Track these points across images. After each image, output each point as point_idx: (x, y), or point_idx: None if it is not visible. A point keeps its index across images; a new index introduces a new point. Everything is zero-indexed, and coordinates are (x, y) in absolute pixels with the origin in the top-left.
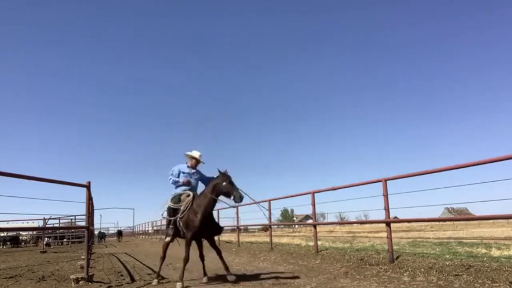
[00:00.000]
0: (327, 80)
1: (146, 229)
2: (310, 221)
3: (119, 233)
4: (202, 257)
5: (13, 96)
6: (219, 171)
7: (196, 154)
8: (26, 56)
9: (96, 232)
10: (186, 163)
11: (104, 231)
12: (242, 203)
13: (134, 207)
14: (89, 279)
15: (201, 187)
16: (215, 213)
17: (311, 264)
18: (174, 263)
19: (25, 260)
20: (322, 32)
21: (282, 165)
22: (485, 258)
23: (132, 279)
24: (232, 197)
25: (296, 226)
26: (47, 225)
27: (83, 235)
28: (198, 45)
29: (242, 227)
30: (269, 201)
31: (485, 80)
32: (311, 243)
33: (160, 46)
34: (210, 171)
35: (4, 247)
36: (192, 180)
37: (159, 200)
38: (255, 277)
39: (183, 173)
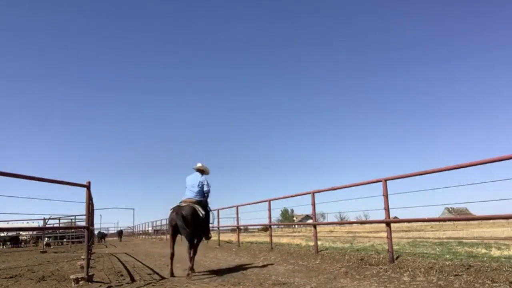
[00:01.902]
0: (327, 80)
1: (146, 229)
2: (310, 221)
3: (120, 233)
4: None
5: (13, 96)
6: None
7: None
8: (25, 56)
9: (96, 232)
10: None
11: (104, 231)
12: (243, 202)
13: (134, 207)
14: (89, 279)
15: None
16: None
17: (311, 264)
18: (175, 263)
19: (25, 260)
20: (322, 33)
21: (282, 165)
22: (485, 258)
23: (132, 279)
24: None
25: (296, 226)
26: (47, 225)
27: (83, 235)
28: (200, 45)
29: (242, 227)
30: (269, 201)
31: (485, 80)
32: (311, 243)
33: (163, 45)
34: (214, 173)
35: (4, 247)
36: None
37: (158, 200)
38: (255, 277)
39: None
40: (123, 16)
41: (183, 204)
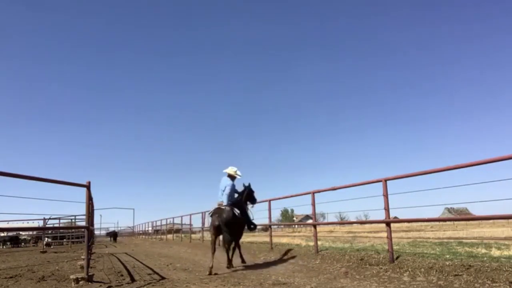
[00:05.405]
0: (327, 81)
1: (146, 229)
2: (310, 221)
3: (113, 234)
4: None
5: (13, 96)
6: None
7: (231, 170)
8: (26, 56)
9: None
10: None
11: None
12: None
13: (134, 207)
14: (89, 279)
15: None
16: None
17: (311, 264)
18: (174, 263)
19: (25, 260)
20: (322, 35)
21: (282, 165)
22: (485, 258)
23: (132, 279)
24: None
25: (296, 226)
26: (47, 225)
27: (83, 235)
28: (200, 46)
29: None
30: (269, 201)
31: (484, 80)
32: (311, 243)
33: (163, 46)
34: (213, 173)
35: (4, 247)
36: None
37: (158, 200)
38: (255, 277)
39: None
40: (123, 16)
41: (222, 207)
